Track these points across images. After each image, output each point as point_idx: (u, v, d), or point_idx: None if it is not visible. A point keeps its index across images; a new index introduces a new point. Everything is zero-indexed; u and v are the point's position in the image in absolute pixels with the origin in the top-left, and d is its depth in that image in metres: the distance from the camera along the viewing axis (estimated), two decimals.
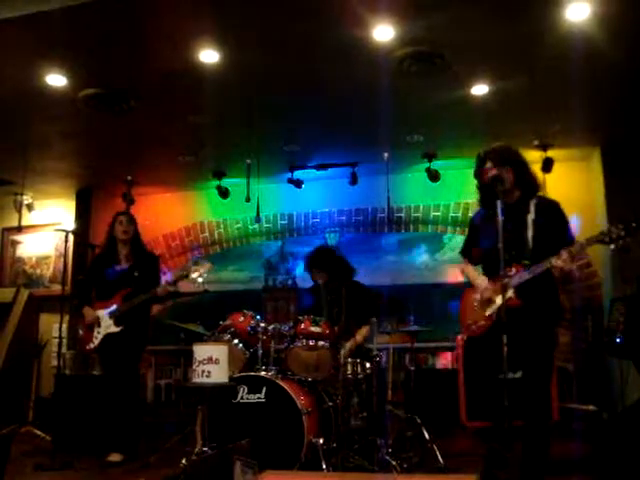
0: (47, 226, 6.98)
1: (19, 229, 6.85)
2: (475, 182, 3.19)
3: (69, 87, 4.34)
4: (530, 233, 2.95)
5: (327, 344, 3.77)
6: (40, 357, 6.55)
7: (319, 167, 6.07)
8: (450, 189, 6.21)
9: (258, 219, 5.82)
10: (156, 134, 5.34)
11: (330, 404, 3.69)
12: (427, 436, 3.99)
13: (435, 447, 3.85)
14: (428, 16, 3.56)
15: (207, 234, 7.03)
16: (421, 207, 6.44)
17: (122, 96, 4.53)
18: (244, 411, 3.43)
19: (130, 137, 5.41)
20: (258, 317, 4.03)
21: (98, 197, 6.99)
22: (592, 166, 5.86)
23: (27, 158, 5.78)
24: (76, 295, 4.82)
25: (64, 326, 4.54)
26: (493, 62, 4.14)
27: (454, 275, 5.53)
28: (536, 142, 5.39)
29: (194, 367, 3.01)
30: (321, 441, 3.36)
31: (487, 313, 2.98)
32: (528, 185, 3.07)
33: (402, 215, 6.47)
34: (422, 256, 6.39)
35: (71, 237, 4.90)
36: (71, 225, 6.56)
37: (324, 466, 3.28)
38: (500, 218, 2.76)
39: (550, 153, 5.50)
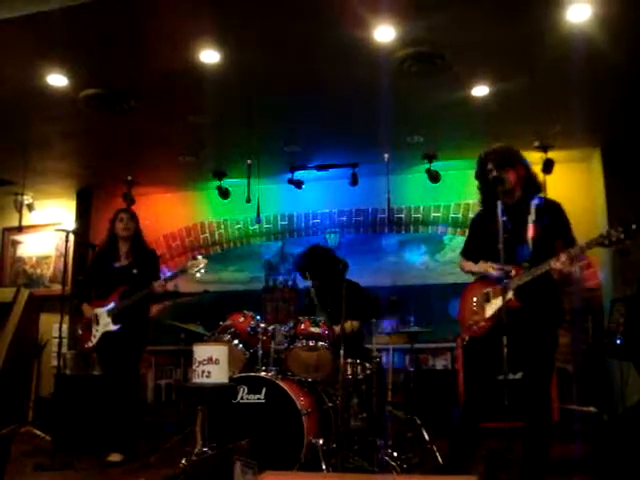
0: (47, 226, 6.99)
1: (19, 229, 6.85)
2: (476, 183, 3.20)
3: (69, 87, 4.34)
4: (530, 234, 2.94)
5: (327, 344, 3.78)
6: (40, 357, 6.55)
7: (319, 168, 6.07)
8: (450, 190, 6.22)
9: (258, 220, 5.82)
10: (156, 134, 5.34)
11: (330, 405, 3.69)
12: (427, 437, 3.99)
13: (435, 448, 3.85)
14: (429, 17, 3.57)
15: (207, 234, 7.03)
16: (421, 208, 6.44)
17: (123, 96, 4.54)
18: (244, 411, 3.43)
19: (130, 137, 5.42)
20: (258, 318, 4.03)
21: (98, 197, 7.00)
22: (592, 167, 5.86)
23: (28, 158, 5.78)
24: (76, 294, 4.82)
25: (64, 326, 4.54)
26: (494, 63, 4.15)
27: (454, 276, 5.52)
28: (536, 143, 5.39)
29: (194, 367, 3.01)
30: (321, 442, 3.36)
31: (487, 315, 2.98)
32: (529, 186, 3.07)
33: (402, 216, 6.47)
34: (422, 257, 6.40)
35: (71, 237, 4.89)
36: (71, 225, 6.56)
37: (324, 467, 3.28)
38: (500, 219, 2.76)
39: (550, 154, 5.50)
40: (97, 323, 4.26)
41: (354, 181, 5.92)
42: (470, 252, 3.26)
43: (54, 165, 6.05)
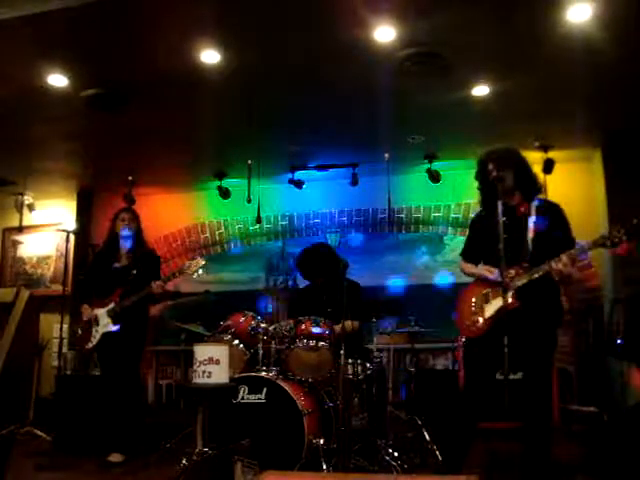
0: (48, 226, 6.99)
1: (20, 229, 6.86)
2: (476, 183, 3.20)
3: (70, 87, 4.34)
4: (530, 235, 2.94)
5: (327, 345, 3.78)
6: (41, 357, 6.55)
7: (320, 168, 6.07)
8: (451, 190, 6.21)
9: (259, 220, 5.82)
10: (157, 134, 5.34)
11: (330, 405, 3.69)
12: (427, 437, 3.99)
13: (435, 448, 3.85)
14: (429, 17, 3.57)
15: (208, 235, 7.03)
16: (422, 208, 6.44)
17: (123, 96, 4.54)
18: (245, 411, 3.43)
19: (131, 137, 5.42)
20: (259, 318, 4.03)
21: (99, 197, 7.01)
22: (593, 167, 5.85)
23: (28, 158, 5.79)
24: (77, 294, 4.83)
25: (65, 326, 4.55)
26: (494, 63, 4.14)
27: (455, 276, 5.53)
28: (537, 143, 5.39)
29: (195, 367, 3.02)
30: (321, 442, 3.36)
31: (487, 315, 2.98)
32: (529, 187, 3.07)
33: (403, 216, 6.46)
34: (423, 257, 6.39)
35: (72, 237, 4.91)
36: (72, 225, 6.56)
37: (324, 467, 3.28)
38: (501, 219, 2.76)
39: (551, 154, 5.50)
40: (97, 324, 4.25)
41: (354, 181, 5.92)
42: (470, 253, 3.26)
43: (55, 165, 6.06)
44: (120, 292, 4.22)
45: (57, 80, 4.24)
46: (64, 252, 4.79)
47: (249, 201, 5.51)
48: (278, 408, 3.38)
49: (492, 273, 2.97)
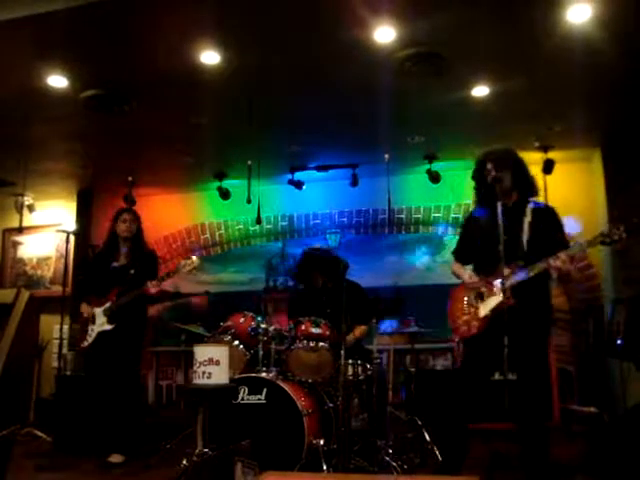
0: (48, 227, 6.99)
1: (20, 230, 6.86)
2: (472, 183, 3.20)
3: (70, 88, 4.34)
4: (526, 236, 2.95)
5: (327, 345, 3.78)
6: (41, 358, 6.56)
7: (320, 168, 6.07)
8: (451, 190, 6.21)
9: (259, 220, 5.82)
10: (157, 135, 5.34)
11: (331, 405, 3.69)
12: (427, 437, 3.99)
13: (435, 448, 3.85)
14: (429, 17, 3.57)
15: (208, 235, 7.03)
16: (422, 208, 6.44)
17: (123, 97, 4.54)
18: (245, 412, 3.43)
19: (131, 138, 5.42)
20: (259, 318, 4.03)
21: (99, 198, 7.00)
22: (593, 167, 5.85)
23: (28, 159, 5.78)
24: (77, 294, 4.83)
25: (65, 327, 4.55)
26: (494, 63, 4.14)
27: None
28: (537, 144, 5.39)
29: (195, 368, 3.01)
30: (322, 442, 3.36)
31: (481, 315, 2.97)
32: (526, 188, 3.09)
33: (403, 216, 6.46)
34: (423, 257, 6.39)
35: (72, 238, 4.91)
36: (72, 226, 6.56)
37: (325, 467, 3.28)
38: (500, 219, 2.77)
39: (551, 154, 5.50)
40: (93, 323, 4.26)
41: (354, 182, 5.92)
42: (462, 253, 3.26)
43: (55, 166, 6.06)
44: (117, 291, 4.23)
45: (57, 81, 4.24)
46: (64, 253, 4.78)
47: (249, 202, 5.51)
48: (278, 409, 3.38)
49: (472, 279, 3.06)
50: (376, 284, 5.65)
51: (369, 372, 3.88)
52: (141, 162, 6.07)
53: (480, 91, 4.50)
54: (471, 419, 3.03)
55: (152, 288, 4.13)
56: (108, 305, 4.23)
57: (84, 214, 6.97)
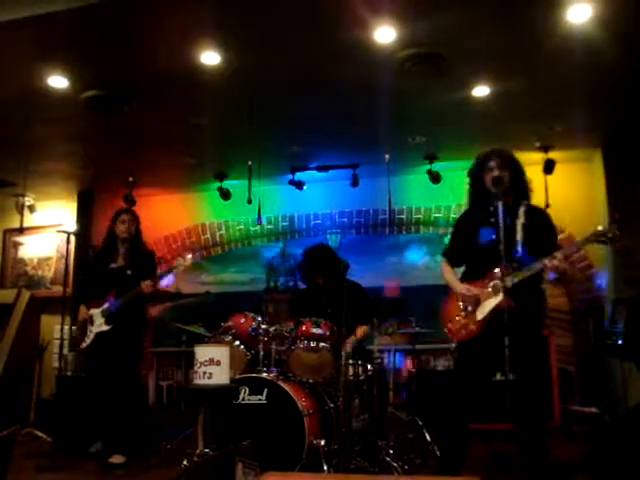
0: (49, 227, 7.00)
1: (21, 230, 6.86)
2: (467, 180, 3.20)
3: (71, 89, 4.34)
4: (519, 237, 2.95)
5: (328, 346, 3.78)
6: (41, 358, 6.56)
7: (320, 169, 6.06)
8: (451, 191, 6.20)
9: (259, 221, 5.82)
10: (157, 136, 5.34)
11: (331, 405, 3.69)
12: (428, 438, 3.99)
13: (436, 449, 3.85)
14: (430, 18, 3.56)
15: (209, 236, 7.03)
16: (422, 209, 6.44)
17: (123, 98, 4.54)
18: (245, 412, 3.43)
19: (131, 139, 5.42)
20: (259, 319, 4.03)
21: (99, 198, 7.00)
22: (593, 167, 5.85)
23: (29, 160, 5.78)
24: (77, 295, 4.83)
25: (65, 327, 4.55)
26: (494, 63, 4.14)
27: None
28: (537, 144, 5.39)
29: (195, 369, 3.02)
30: (322, 443, 3.36)
31: (479, 317, 2.96)
32: (522, 190, 3.09)
33: (403, 217, 6.46)
34: (423, 258, 6.39)
35: (73, 238, 4.90)
36: (73, 226, 6.57)
37: (325, 467, 3.28)
38: (501, 219, 2.77)
39: (551, 154, 5.50)
40: (92, 324, 4.27)
41: (355, 182, 5.92)
42: (454, 253, 3.24)
43: (55, 167, 6.06)
44: (115, 292, 4.23)
45: (58, 82, 4.24)
46: (65, 253, 4.78)
47: (249, 202, 5.51)
48: (279, 409, 3.38)
49: (470, 291, 3.00)
50: (376, 284, 5.65)
51: (370, 372, 3.89)
52: (141, 163, 6.07)
53: (481, 91, 4.50)
54: (471, 419, 3.02)
55: (146, 288, 4.13)
56: (106, 306, 4.23)
57: (85, 215, 6.97)
